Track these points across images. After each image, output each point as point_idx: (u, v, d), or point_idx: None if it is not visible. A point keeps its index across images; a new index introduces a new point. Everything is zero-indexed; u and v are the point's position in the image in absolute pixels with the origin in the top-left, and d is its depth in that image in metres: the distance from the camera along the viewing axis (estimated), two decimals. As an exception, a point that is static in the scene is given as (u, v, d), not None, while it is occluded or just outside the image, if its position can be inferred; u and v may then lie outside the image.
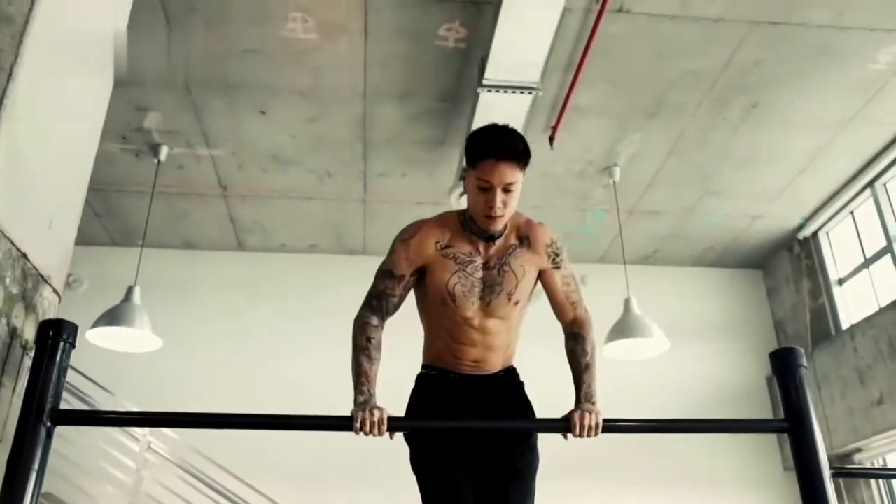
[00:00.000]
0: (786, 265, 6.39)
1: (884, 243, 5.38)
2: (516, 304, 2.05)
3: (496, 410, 2.05)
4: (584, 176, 5.39)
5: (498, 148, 1.93)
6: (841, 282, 5.90)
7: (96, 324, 4.33)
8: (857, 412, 5.15)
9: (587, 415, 1.83)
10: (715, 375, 6.11)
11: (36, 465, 1.63)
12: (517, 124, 4.42)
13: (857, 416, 5.14)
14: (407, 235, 2.08)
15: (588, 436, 1.82)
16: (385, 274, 2.10)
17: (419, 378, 2.15)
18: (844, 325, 5.67)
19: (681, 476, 5.79)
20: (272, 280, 6.24)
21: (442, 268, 2.01)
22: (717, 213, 5.88)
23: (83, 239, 5.98)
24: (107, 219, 5.91)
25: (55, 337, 1.76)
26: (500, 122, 4.42)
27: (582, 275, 6.49)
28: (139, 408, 4.93)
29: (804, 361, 1.91)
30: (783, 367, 1.90)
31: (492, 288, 2.02)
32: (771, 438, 5.94)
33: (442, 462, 1.96)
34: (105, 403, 5.00)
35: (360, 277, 6.30)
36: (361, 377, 1.95)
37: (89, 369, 5.00)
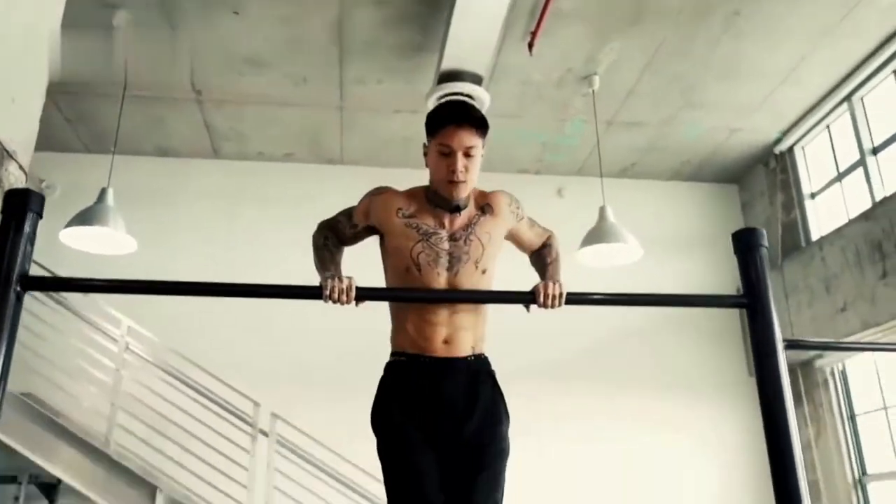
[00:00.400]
0: (761, 179, 6.45)
1: (857, 157, 5.43)
2: (483, 272, 2.06)
3: (466, 394, 2.03)
4: (562, 84, 5.34)
5: (457, 114, 2.00)
6: (813, 195, 5.98)
7: (70, 224, 4.30)
8: (822, 319, 5.30)
9: (551, 284, 1.87)
10: (687, 287, 6.21)
11: (7, 330, 1.65)
12: (495, 28, 4.36)
13: (821, 324, 5.29)
14: (375, 192, 2.13)
15: (552, 305, 1.85)
16: (345, 213, 2.19)
17: (387, 366, 2.12)
18: (815, 237, 5.78)
19: (648, 380, 5.98)
20: (250, 189, 6.21)
21: (405, 236, 2.03)
22: (696, 126, 5.88)
23: (56, 145, 5.97)
24: (79, 124, 5.80)
25: (22, 205, 1.75)
26: (478, 25, 4.37)
27: (559, 187, 6.53)
28: (118, 312, 4.98)
29: (765, 241, 1.95)
30: (744, 246, 1.95)
31: (458, 258, 2.03)
32: (738, 344, 6.12)
33: (408, 450, 1.97)
34: (84, 307, 5.03)
35: (337, 187, 6.31)
36: (325, 262, 2.04)
37: (68, 274, 5.01)
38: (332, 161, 6.34)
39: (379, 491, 4.78)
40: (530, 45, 4.79)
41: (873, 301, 4.85)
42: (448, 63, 4.56)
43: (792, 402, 1.86)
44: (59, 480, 4.75)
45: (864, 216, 5.03)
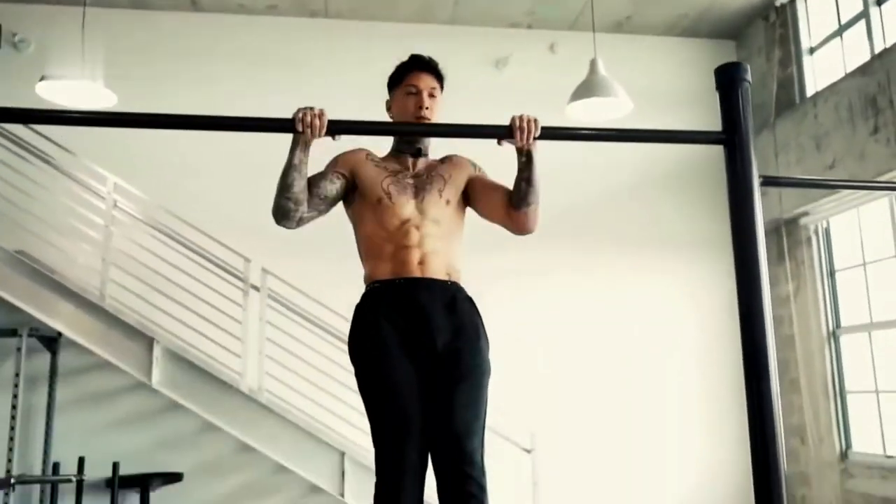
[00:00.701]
0: (759, 35, 6.25)
1: (860, 8, 5.24)
2: (447, 202, 2.22)
3: (444, 312, 2.11)
4: (557, -72, 5.05)
5: (419, 63, 2.29)
6: (812, 50, 5.82)
7: (45, 77, 4.18)
8: (812, 175, 5.30)
9: (526, 116, 1.83)
10: (679, 145, 6.17)
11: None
12: None
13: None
14: (341, 153, 2.28)
15: (527, 135, 1.81)
16: (316, 177, 2.23)
17: (363, 295, 2.21)
18: (809, 93, 5.68)
19: (636, 235, 6.06)
20: (230, 43, 5.99)
21: (375, 173, 2.22)
22: (694, -25, 5.63)
23: (25, -8, 5.70)
24: (48, -28, 5.52)
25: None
26: None
27: (551, 42, 6.33)
28: (102, 169, 4.95)
29: (748, 76, 1.90)
30: (726, 80, 1.89)
31: (423, 187, 2.21)
32: (723, 204, 6.13)
33: (387, 374, 2.03)
34: (70, 165, 4.99)
35: (323, 44, 6.11)
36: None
37: (49, 132, 4.93)
38: (315, 14, 6.08)
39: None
40: None
41: (862, 157, 4.83)
42: None
43: (764, 243, 1.87)
44: (60, 334, 4.90)
45: (861, 70, 4.91)
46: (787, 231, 5.77)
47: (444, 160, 2.32)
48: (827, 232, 5.64)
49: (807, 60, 5.83)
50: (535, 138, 1.82)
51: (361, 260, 2.28)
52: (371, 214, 2.19)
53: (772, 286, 6.07)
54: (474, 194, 2.27)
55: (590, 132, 1.79)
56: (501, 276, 5.55)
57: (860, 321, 5.34)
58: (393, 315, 2.09)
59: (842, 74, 5.25)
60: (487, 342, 2.17)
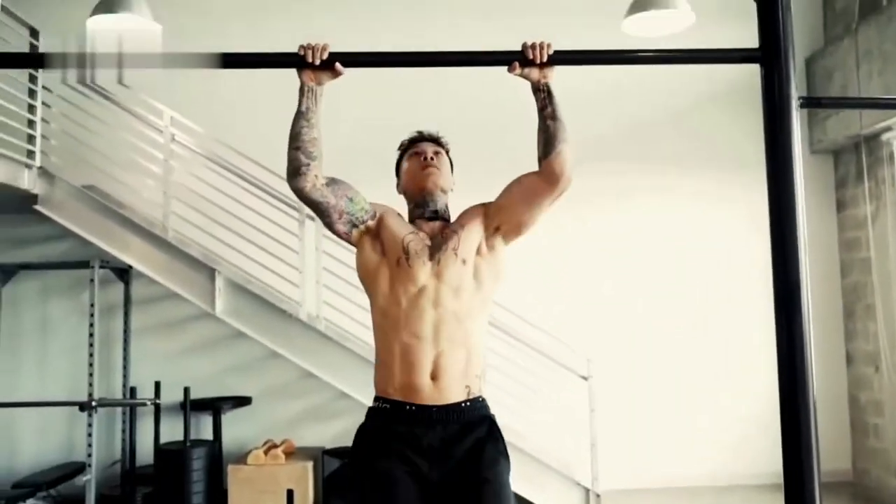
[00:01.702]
0: (845, -69, 5.71)
1: None
2: (464, 262, 2.03)
3: (458, 442, 1.92)
4: None
5: (419, 136, 2.26)
6: (904, -54, 5.28)
7: (94, 12, 4.21)
8: (893, 89, 4.89)
9: (536, 42, 1.72)
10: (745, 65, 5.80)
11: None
12: None
13: (893, 93, 4.89)
14: (380, 204, 2.18)
15: (541, 55, 1.72)
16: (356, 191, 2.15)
17: (369, 412, 2.02)
18: (901, -4, 5.18)
19: (703, 162, 5.82)
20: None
21: (399, 227, 2.09)
22: None
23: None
24: None
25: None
26: None
27: None
28: (156, 101, 5.02)
29: (790, -14, 1.72)
30: (766, -10, 1.73)
31: (438, 247, 2.05)
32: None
33: (394, 496, 1.88)
34: (128, 100, 5.09)
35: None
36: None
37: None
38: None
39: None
40: None
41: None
42: None
43: (801, 171, 1.74)
44: (130, 266, 5.11)
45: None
46: (867, 148, 5.39)
47: (455, 227, 2.12)
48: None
49: (897, -42, 5.29)
50: (548, 56, 1.72)
51: (376, 352, 2.07)
52: (386, 279, 2.03)
53: (849, 207, 5.74)
54: (502, 213, 2.10)
55: (598, 55, 1.66)
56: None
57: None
58: (401, 450, 1.93)
59: (935, -28, 4.76)
60: (508, 464, 1.99)
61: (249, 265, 5.00)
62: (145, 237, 4.96)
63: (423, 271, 2.00)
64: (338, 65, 1.80)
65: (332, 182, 2.06)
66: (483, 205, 2.13)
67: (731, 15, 5.64)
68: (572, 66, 1.72)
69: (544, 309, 5.39)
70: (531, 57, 1.72)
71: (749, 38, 5.34)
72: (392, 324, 1.99)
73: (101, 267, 5.05)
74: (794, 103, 1.70)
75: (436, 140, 2.25)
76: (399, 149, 2.29)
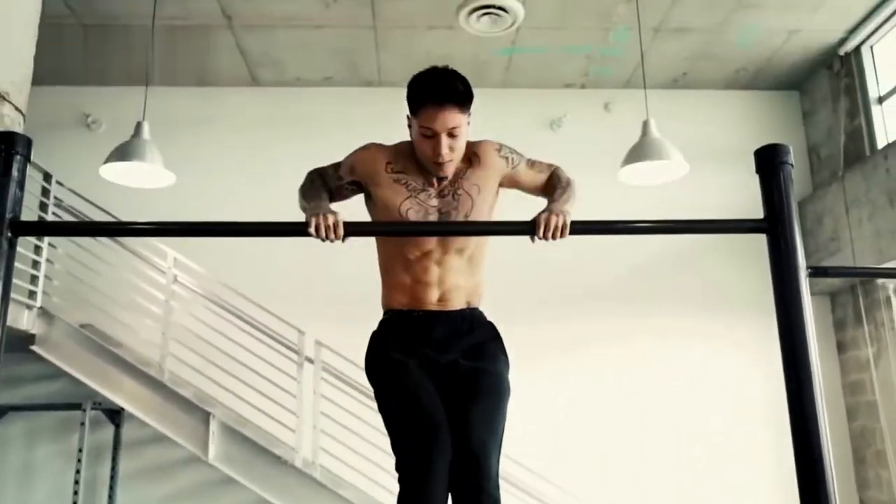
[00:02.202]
0: (824, 85, 6.03)
1: (931, 55, 5.00)
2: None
3: (461, 336, 2.02)
4: (604, -10, 5.02)
5: (438, 93, 1.89)
6: (881, 100, 5.56)
7: (108, 160, 4.34)
8: (885, 235, 5.00)
9: (553, 216, 1.75)
10: (739, 205, 5.93)
11: (0, 277, 1.64)
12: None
13: (885, 239, 5.00)
14: (361, 148, 2.08)
15: (554, 237, 1.75)
16: (332, 165, 2.11)
17: (380, 324, 2.12)
18: (880, 145, 5.40)
19: (689, 299, 5.82)
20: (289, 114, 6.14)
21: (392, 191, 1.97)
22: (752, 29, 5.48)
23: (97, 79, 6.00)
24: (116, 56, 5.78)
25: (8, 149, 1.72)
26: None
27: (606, 101, 6.25)
28: (164, 245, 5.07)
29: (790, 159, 1.79)
30: (766, 164, 1.79)
31: (447, 213, 1.97)
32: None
33: (406, 380, 1.93)
34: (132, 241, 5.14)
35: (376, 109, 6.20)
36: (310, 197, 1.98)
37: (112, 208, 5.12)
38: (370, 83, 6.20)
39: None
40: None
41: (942, 212, 4.54)
42: (478, -25, 4.33)
43: (814, 335, 1.74)
44: (122, 408, 4.99)
45: (935, 121, 4.65)
46: (863, 291, 5.45)
47: (471, 159, 2.02)
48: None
49: (875, 110, 5.57)
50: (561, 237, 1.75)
51: (381, 275, 2.14)
52: (389, 243, 2.05)
53: (850, 350, 5.71)
54: (510, 185, 2.11)
55: (615, 225, 1.70)
56: (547, 347, 5.40)
57: (951, 387, 4.94)
58: (410, 343, 2.02)
59: (915, 125, 4.99)
60: (507, 362, 2.06)
61: (245, 409, 4.89)
62: (140, 378, 4.87)
63: (428, 240, 1.99)
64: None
65: (333, 186, 2.10)
66: (505, 160, 2.05)
67: (725, 161, 5.92)
68: (582, 235, 1.74)
69: (544, 453, 5.23)
70: (545, 238, 1.76)
71: (740, 183, 5.46)
72: (396, 266, 2.03)
73: (93, 409, 4.94)
74: (803, 273, 1.72)
75: (456, 99, 1.90)
76: (411, 91, 1.96)
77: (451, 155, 1.92)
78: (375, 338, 2.09)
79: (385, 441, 4.65)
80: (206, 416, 4.78)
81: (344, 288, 5.62)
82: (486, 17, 4.64)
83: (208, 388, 4.94)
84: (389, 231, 1.87)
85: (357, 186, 2.06)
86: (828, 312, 5.97)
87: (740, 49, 5.74)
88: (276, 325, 4.97)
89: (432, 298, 2.02)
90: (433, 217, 1.96)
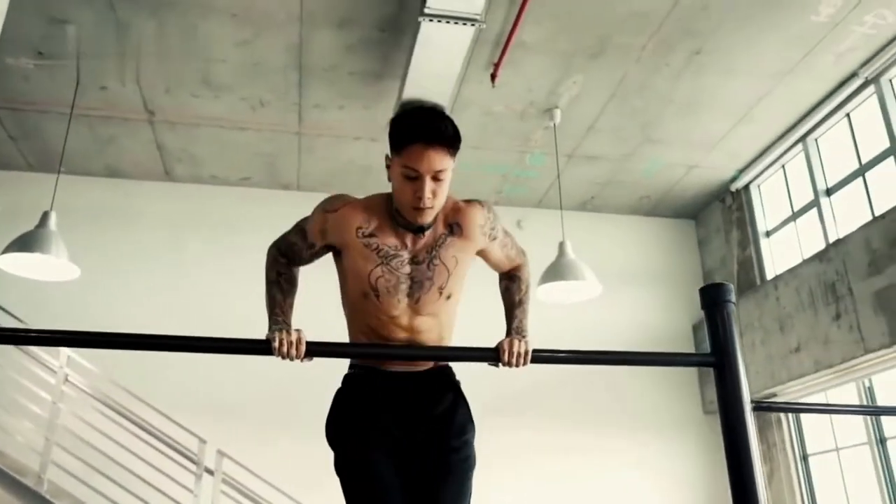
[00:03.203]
0: (717, 216, 6.51)
1: (811, 197, 5.50)
2: (448, 297, 1.91)
3: (427, 399, 1.91)
4: (524, 117, 5.31)
5: (426, 132, 1.74)
6: (769, 234, 6.04)
7: (7, 249, 4.08)
8: (776, 359, 5.32)
9: (516, 342, 1.78)
10: (644, 322, 6.23)
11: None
12: (458, 58, 4.30)
13: (776, 363, 5.32)
14: (329, 207, 1.89)
15: (517, 364, 1.77)
16: (298, 231, 1.96)
17: (344, 379, 1.98)
18: (769, 275, 5.82)
19: (605, 417, 5.93)
20: (202, 213, 6.02)
21: (363, 257, 1.85)
22: (655, 161, 5.90)
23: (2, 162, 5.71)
24: (23, 141, 5.56)
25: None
26: (441, 55, 4.27)
27: (518, 219, 6.48)
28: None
29: (732, 297, 1.90)
30: (711, 302, 1.89)
31: (420, 283, 1.86)
32: (693, 383, 6.15)
33: (368, 466, 1.82)
34: (19, 334, 4.77)
35: (293, 213, 6.14)
36: (275, 308, 1.86)
37: (5, 299, 4.77)
38: (288, 187, 6.20)
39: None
40: (493, 76, 4.77)
41: (826, 342, 4.88)
42: (409, 92, 4.49)
43: (760, 463, 1.81)
44: (-13, 519, 4.48)
45: (818, 257, 5.07)
46: (755, 414, 5.71)
47: (453, 228, 1.89)
48: (797, 415, 5.59)
49: (764, 243, 6.03)
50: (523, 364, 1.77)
51: (346, 319, 2.00)
52: (354, 299, 1.92)
53: (745, 468, 5.91)
54: (485, 259, 2.05)
55: (580, 356, 1.74)
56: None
57: (838, 509, 5.18)
58: (375, 407, 1.89)
59: (800, 259, 5.42)
60: (473, 429, 1.96)
61: (133, 524, 4.49)
62: (13, 488, 4.41)
63: (398, 308, 1.88)
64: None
65: (296, 261, 1.99)
66: (485, 235, 1.94)
67: (631, 282, 6.21)
68: (542, 364, 1.77)
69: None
70: (508, 365, 1.77)
71: (646, 303, 5.70)
72: (360, 324, 1.93)
73: (-45, 523, 4.40)
74: (748, 407, 1.80)
75: (446, 142, 1.75)
76: (395, 128, 1.80)
77: (433, 202, 1.76)
78: (338, 400, 1.96)
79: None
80: (87, 533, 4.36)
81: (254, 394, 5.41)
82: (415, 132, 4.78)
83: (93, 500, 4.53)
84: (356, 353, 1.82)
85: (324, 250, 1.95)
86: (720, 432, 6.19)
87: (645, 178, 6.15)
88: (175, 431, 4.67)
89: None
90: (404, 287, 1.84)
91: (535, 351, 1.76)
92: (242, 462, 4.62)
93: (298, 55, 4.64)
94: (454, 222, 1.89)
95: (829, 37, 4.59)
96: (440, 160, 1.74)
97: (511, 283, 2.07)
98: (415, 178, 1.75)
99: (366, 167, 5.79)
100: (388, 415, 1.87)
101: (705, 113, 5.32)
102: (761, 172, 6.00)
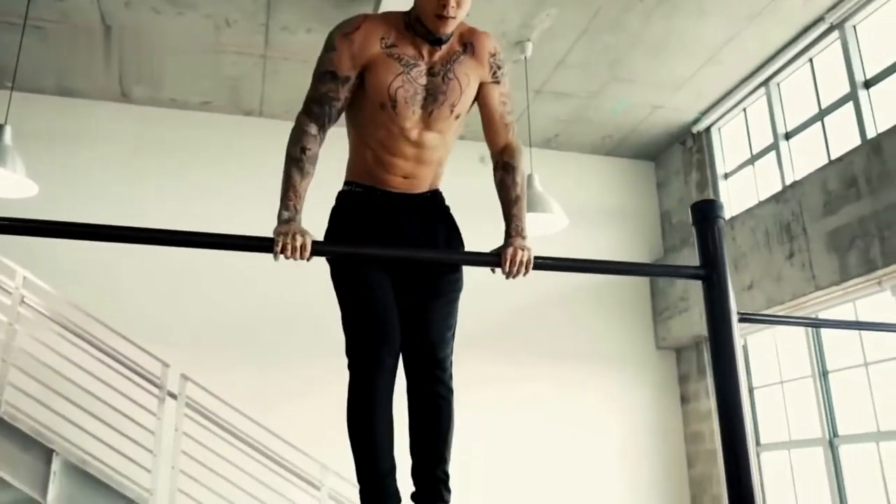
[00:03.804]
0: (677, 158, 6.62)
1: (770, 140, 5.64)
2: (457, 117, 1.97)
3: (423, 232, 2.00)
4: (496, 49, 5.25)
5: None
6: (727, 176, 6.19)
7: (-38, 163, 3.91)
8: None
9: (519, 251, 1.81)
10: (606, 258, 6.34)
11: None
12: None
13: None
14: (349, 29, 1.89)
15: (518, 273, 1.80)
16: (325, 76, 1.89)
17: (341, 195, 2.04)
18: (727, 216, 5.97)
19: (562, 352, 6.09)
20: (160, 137, 5.84)
21: (385, 68, 1.86)
22: (622, 101, 5.94)
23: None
24: (-31, 54, 5.26)
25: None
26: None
27: (482, 154, 6.47)
28: (13, 262, 4.60)
29: (722, 213, 1.96)
30: (702, 217, 1.94)
31: (434, 97, 1.90)
32: (647, 320, 6.35)
33: (364, 278, 1.90)
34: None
35: (255, 141, 6.06)
36: (290, 191, 1.84)
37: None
38: (250, 113, 6.05)
39: (293, 457, 4.68)
40: (467, 5, 4.70)
41: (779, 280, 5.08)
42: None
43: (742, 371, 1.89)
44: (-59, 441, 4.39)
45: (775, 198, 5.23)
46: (708, 347, 5.93)
47: (465, 47, 1.95)
48: (745, 349, 5.83)
49: (723, 185, 6.18)
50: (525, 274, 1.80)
51: (350, 143, 2.05)
52: (367, 114, 1.94)
53: (693, 401, 6.18)
54: (477, 100, 2.04)
55: (580, 264, 1.77)
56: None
57: (780, 439, 5.46)
58: (370, 224, 1.97)
59: (757, 200, 5.58)
60: (462, 278, 2.07)
61: (95, 446, 4.46)
62: (-31, 409, 4.32)
63: (411, 119, 1.93)
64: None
65: (327, 122, 1.93)
66: (492, 66, 1.98)
67: (592, 219, 6.31)
68: (541, 270, 1.80)
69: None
70: (510, 275, 1.81)
71: (609, 239, 5.81)
72: (369, 138, 1.96)
73: None
74: (734, 317, 1.87)
75: None
76: None
77: (457, 11, 1.81)
78: (335, 215, 2.03)
79: (249, 485, 4.43)
80: (47, 454, 4.31)
81: (220, 317, 5.38)
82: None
83: (53, 423, 4.47)
84: (360, 254, 1.82)
85: (354, 80, 1.90)
86: (673, 367, 6.44)
87: (610, 117, 6.19)
88: (137, 354, 4.61)
89: (399, 174, 1.98)
90: (419, 97, 1.89)
91: (536, 258, 1.79)
92: (207, 387, 4.61)
93: (268, -28, 4.48)
94: (468, 42, 1.96)
95: (800, -21, 4.65)
96: None
97: (507, 174, 2.05)
98: None
99: (332, 95, 5.69)
100: (388, 235, 1.95)
101: (674, 53, 5.36)
102: (723, 115, 6.10)
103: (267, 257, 1.69)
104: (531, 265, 1.80)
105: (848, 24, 4.95)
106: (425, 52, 1.90)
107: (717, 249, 1.91)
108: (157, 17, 4.87)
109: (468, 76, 1.94)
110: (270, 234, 1.71)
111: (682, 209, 6.47)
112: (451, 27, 1.85)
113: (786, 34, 5.20)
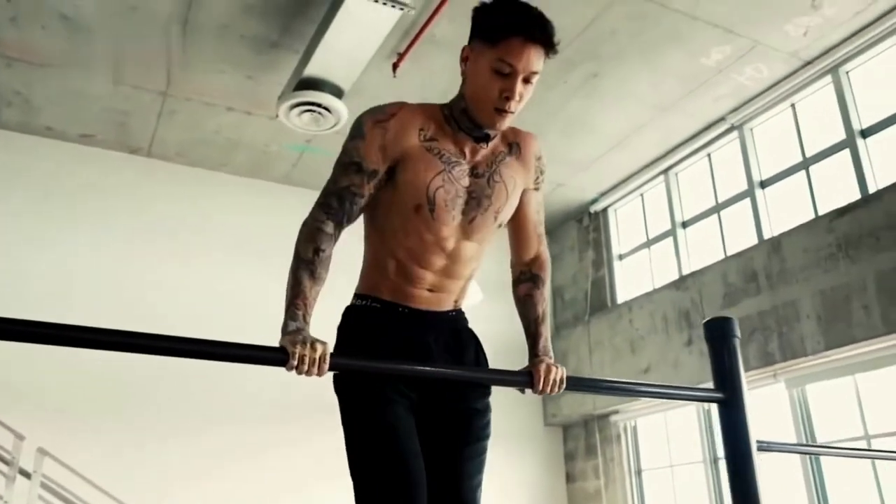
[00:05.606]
0: (573, 235, 6.72)
1: (668, 226, 5.83)
2: (500, 226, 1.73)
3: (452, 354, 1.71)
4: (415, 113, 5.12)
5: (531, 26, 1.55)
6: (621, 257, 6.33)
7: None
8: (625, 378, 5.56)
9: (553, 369, 1.61)
10: (502, 331, 6.26)
11: None
12: (376, 40, 4.05)
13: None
14: (383, 116, 1.63)
15: (551, 392, 1.60)
16: (350, 167, 1.61)
17: (351, 311, 1.71)
18: (620, 298, 6.09)
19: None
20: (29, 168, 5.17)
21: (424, 163, 1.61)
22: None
23: None
24: None
25: None
26: (359, 35, 3.96)
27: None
28: None
29: (737, 332, 1.85)
30: (719, 336, 1.83)
31: (479, 201, 1.66)
32: (537, 397, 6.29)
33: (386, 408, 1.57)
34: None
35: (139, 181, 5.50)
36: (298, 298, 1.50)
37: None
38: (136, 151, 5.50)
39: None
40: (395, 66, 4.55)
41: (676, 365, 5.17)
42: (313, 69, 4.15)
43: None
44: None
45: (675, 285, 5.37)
46: (598, 426, 5.95)
47: (511, 148, 1.73)
48: (635, 431, 5.89)
49: (618, 265, 6.31)
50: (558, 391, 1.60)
51: (367, 250, 1.74)
52: (398, 219, 1.66)
53: (581, 480, 6.15)
54: (516, 211, 1.80)
55: (617, 385, 1.59)
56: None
57: (667, 523, 5.51)
58: (395, 350, 1.63)
59: (652, 285, 5.72)
60: (490, 388, 1.79)
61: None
62: None
63: (450, 226, 1.65)
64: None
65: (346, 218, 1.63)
66: (537, 171, 1.78)
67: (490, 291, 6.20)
68: (573, 391, 1.61)
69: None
70: (541, 393, 1.61)
71: (501, 314, 5.60)
72: (396, 245, 1.66)
73: None
74: (754, 446, 1.75)
75: (546, 43, 1.56)
76: (491, 16, 1.60)
77: (517, 105, 1.59)
78: (349, 338, 1.68)
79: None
80: None
81: (88, 387, 4.71)
82: (308, 114, 4.41)
83: None
84: (381, 369, 1.52)
85: (381, 174, 1.63)
86: (559, 443, 6.40)
87: (515, 191, 6.18)
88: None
89: (425, 287, 1.68)
90: (461, 201, 1.64)
91: (570, 378, 1.60)
92: (68, 463, 3.99)
93: (188, 7, 4.10)
94: (514, 142, 1.75)
95: (713, 80, 4.88)
96: (538, 60, 1.58)
97: (536, 288, 1.84)
98: (507, 75, 1.57)
99: (233, 141, 5.31)
100: (414, 358, 1.65)
101: (586, 135, 5.46)
102: (622, 198, 6.27)
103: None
104: (564, 384, 1.60)
105: (747, 127, 5.25)
106: (468, 151, 1.67)
107: (734, 371, 1.80)
108: (43, 35, 4.32)
109: (514, 180, 1.72)
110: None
111: (576, 286, 6.54)
112: (507, 123, 1.63)
113: (691, 128, 5.44)
